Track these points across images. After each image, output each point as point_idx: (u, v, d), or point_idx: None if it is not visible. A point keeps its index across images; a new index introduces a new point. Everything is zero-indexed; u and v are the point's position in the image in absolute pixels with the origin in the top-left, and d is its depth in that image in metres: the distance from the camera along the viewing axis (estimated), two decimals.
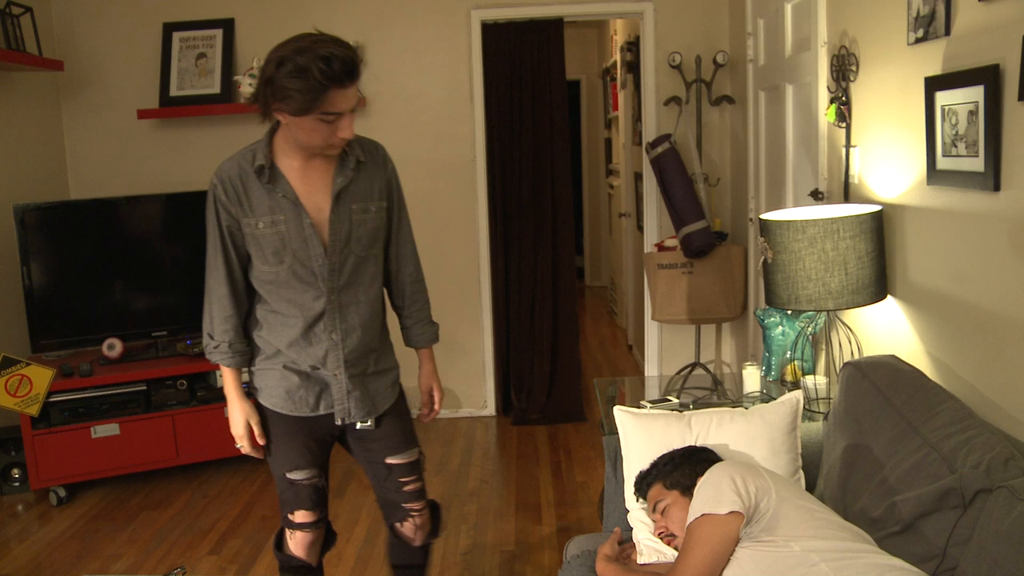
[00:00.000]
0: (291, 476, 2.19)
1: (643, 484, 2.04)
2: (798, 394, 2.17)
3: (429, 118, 4.57)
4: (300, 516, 2.23)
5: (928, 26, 2.14)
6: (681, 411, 2.26)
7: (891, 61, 2.41)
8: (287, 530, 2.27)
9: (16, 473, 3.87)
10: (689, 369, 3.87)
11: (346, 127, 1.92)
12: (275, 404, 2.15)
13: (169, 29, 4.46)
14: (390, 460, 2.24)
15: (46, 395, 3.71)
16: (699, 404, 2.88)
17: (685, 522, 1.82)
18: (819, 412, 2.58)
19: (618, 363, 5.87)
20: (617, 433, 2.22)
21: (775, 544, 1.68)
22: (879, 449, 1.87)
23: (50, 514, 3.68)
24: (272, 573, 3.08)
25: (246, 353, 2.14)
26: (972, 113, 1.95)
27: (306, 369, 2.12)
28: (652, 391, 3.56)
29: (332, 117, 1.88)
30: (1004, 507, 1.45)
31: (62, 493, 3.76)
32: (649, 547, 2.05)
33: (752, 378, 2.87)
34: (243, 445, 2.18)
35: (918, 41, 2.21)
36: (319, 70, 1.79)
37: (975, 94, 1.92)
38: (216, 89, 4.41)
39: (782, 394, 2.31)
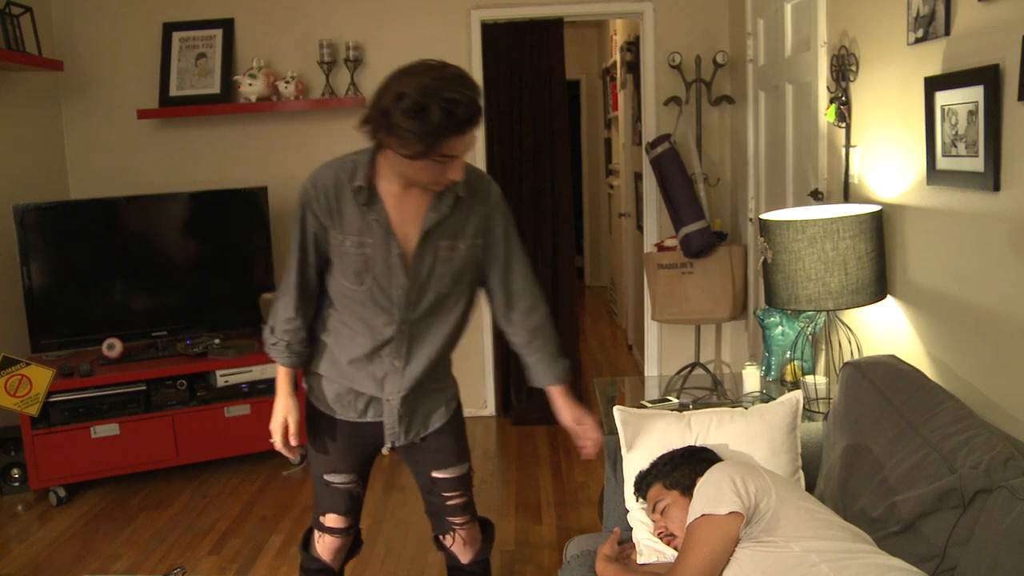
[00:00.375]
0: (328, 478, 2.17)
1: (643, 484, 2.04)
2: (798, 394, 2.17)
3: None
4: (331, 520, 2.22)
5: (928, 26, 2.14)
6: (681, 411, 2.26)
7: (891, 61, 2.41)
8: (316, 532, 2.25)
9: (16, 473, 3.87)
10: (689, 369, 3.87)
11: (457, 169, 1.84)
12: (324, 405, 2.14)
13: (169, 29, 4.46)
14: (436, 474, 2.21)
15: (46, 395, 3.70)
16: (699, 404, 2.87)
17: (685, 522, 1.82)
18: (819, 412, 2.58)
19: (618, 363, 5.86)
20: (617, 433, 2.22)
21: (775, 544, 1.68)
22: (879, 449, 1.87)
23: (50, 514, 3.67)
24: (271, 573, 3.08)
25: (303, 355, 2.10)
26: (972, 113, 1.94)
27: (360, 390, 2.10)
28: (652, 391, 3.56)
29: (445, 160, 1.80)
30: (1004, 507, 1.45)
31: (62, 493, 3.76)
32: (649, 547, 2.05)
33: (752, 378, 2.87)
34: (275, 440, 2.12)
35: (918, 41, 2.20)
36: (439, 118, 1.68)
37: (975, 94, 1.92)
38: (216, 89, 4.41)
39: (782, 394, 2.31)
